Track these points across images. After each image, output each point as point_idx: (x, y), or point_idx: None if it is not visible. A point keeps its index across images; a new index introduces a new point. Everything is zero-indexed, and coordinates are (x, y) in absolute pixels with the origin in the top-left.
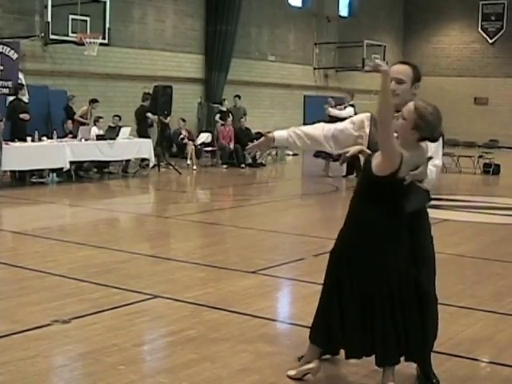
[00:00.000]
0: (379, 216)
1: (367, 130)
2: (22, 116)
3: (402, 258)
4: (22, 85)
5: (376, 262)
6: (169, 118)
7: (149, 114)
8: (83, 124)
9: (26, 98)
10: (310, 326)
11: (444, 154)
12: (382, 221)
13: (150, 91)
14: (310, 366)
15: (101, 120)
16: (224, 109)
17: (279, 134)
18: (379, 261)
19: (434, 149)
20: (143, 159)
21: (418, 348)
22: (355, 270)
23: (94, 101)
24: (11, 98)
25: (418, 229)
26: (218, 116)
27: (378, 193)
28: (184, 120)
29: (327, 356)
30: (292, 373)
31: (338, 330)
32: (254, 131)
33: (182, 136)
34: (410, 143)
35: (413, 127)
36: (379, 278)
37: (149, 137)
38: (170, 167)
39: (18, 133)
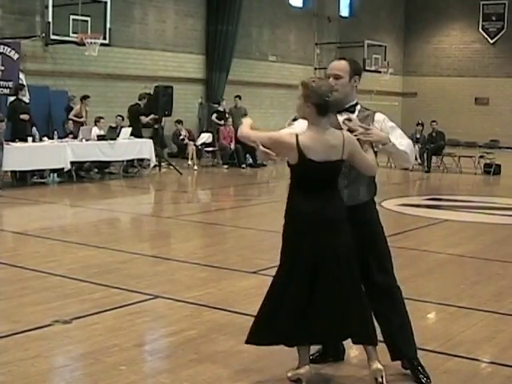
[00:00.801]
0: (299, 201)
1: None
2: (22, 117)
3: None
4: (23, 85)
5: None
6: (164, 121)
7: (142, 118)
8: (79, 123)
9: (26, 99)
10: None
11: (445, 155)
12: (302, 205)
13: (151, 91)
14: (301, 371)
15: (101, 120)
16: (221, 109)
17: None
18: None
19: (389, 130)
20: (142, 159)
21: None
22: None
23: (85, 97)
24: (12, 99)
25: (364, 220)
26: (214, 116)
27: (295, 179)
28: (181, 122)
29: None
30: (289, 374)
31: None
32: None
33: (182, 136)
34: (315, 120)
35: (305, 100)
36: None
37: (142, 136)
38: (171, 167)
39: (18, 133)
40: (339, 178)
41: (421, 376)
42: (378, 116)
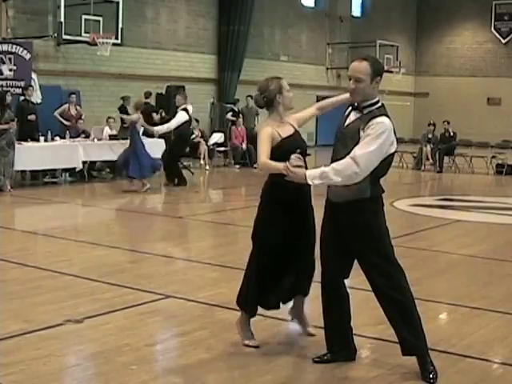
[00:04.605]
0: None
1: None
2: (29, 117)
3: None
4: (30, 85)
5: None
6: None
7: (153, 114)
8: (66, 125)
9: (34, 99)
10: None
11: (457, 155)
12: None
13: (163, 91)
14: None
15: (111, 120)
16: (236, 109)
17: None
18: None
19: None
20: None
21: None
22: None
23: (70, 94)
24: (21, 99)
25: (349, 222)
26: (229, 114)
27: None
28: (197, 120)
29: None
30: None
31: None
32: None
33: (194, 136)
34: (275, 119)
35: None
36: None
37: (153, 135)
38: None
39: (25, 134)
40: None
41: (425, 374)
42: (375, 120)
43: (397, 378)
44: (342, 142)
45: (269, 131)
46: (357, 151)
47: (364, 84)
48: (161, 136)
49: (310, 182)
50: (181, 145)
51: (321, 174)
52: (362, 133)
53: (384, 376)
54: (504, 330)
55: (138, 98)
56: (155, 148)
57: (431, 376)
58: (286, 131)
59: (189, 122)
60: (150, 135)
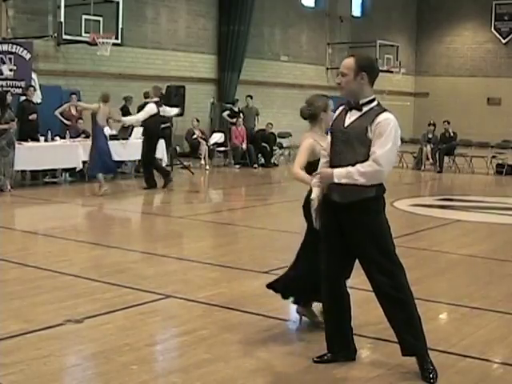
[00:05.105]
0: None
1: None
2: (30, 117)
3: None
4: (31, 85)
5: None
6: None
7: None
8: (66, 125)
9: (35, 99)
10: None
11: (457, 155)
12: None
13: (163, 91)
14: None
15: (110, 121)
16: (236, 109)
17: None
18: None
19: (375, 135)
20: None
21: None
22: None
23: (71, 94)
24: (22, 99)
25: (356, 221)
26: (225, 113)
27: None
28: (198, 120)
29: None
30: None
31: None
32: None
33: (195, 136)
34: (316, 132)
35: None
36: None
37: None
38: (180, 165)
39: (26, 134)
40: None
41: (425, 374)
42: (381, 116)
43: (397, 378)
44: (347, 143)
45: (310, 142)
46: (377, 152)
47: (347, 78)
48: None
49: (336, 181)
50: (149, 141)
51: (347, 174)
52: (369, 132)
53: (384, 376)
54: (504, 330)
55: (106, 91)
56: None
57: (431, 376)
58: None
59: (158, 116)
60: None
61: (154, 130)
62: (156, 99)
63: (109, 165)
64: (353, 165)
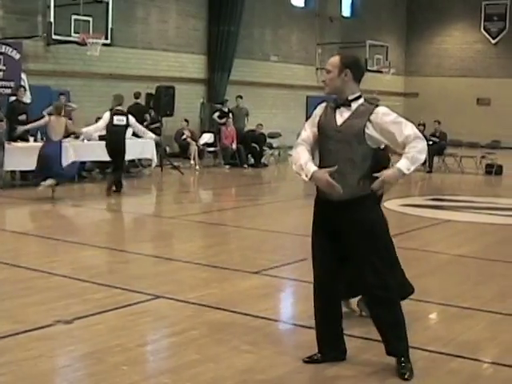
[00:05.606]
0: None
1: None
2: (20, 118)
3: None
4: (21, 85)
5: None
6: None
7: (147, 116)
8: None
9: (26, 99)
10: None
11: (447, 155)
12: None
13: (153, 91)
14: None
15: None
16: (225, 109)
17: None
18: None
19: (387, 125)
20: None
21: None
22: None
23: (60, 94)
24: (12, 99)
25: (354, 219)
26: (215, 114)
27: None
28: (187, 120)
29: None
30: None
31: None
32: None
33: (184, 136)
34: None
35: None
36: None
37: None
38: (170, 166)
39: (17, 136)
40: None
41: (403, 371)
42: (378, 110)
43: (387, 377)
44: (343, 141)
45: None
46: (408, 132)
47: (331, 75)
48: None
49: (407, 172)
50: (107, 149)
51: (411, 161)
52: (368, 129)
53: (374, 375)
54: (495, 329)
55: (59, 101)
56: (146, 148)
57: (407, 373)
58: None
59: (111, 125)
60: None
61: (109, 138)
62: (118, 108)
63: (54, 171)
64: (348, 162)
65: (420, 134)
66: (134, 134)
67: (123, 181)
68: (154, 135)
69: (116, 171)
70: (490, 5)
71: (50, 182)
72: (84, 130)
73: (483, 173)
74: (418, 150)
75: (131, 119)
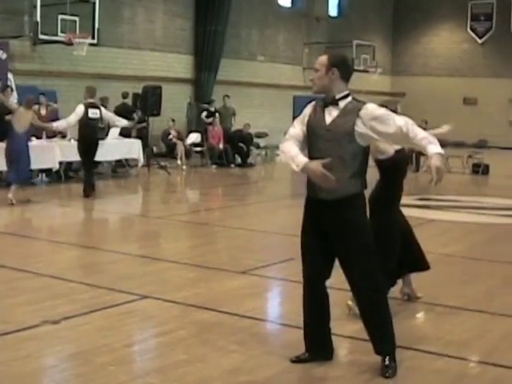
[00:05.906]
0: None
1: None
2: (7, 118)
3: None
4: (7, 86)
5: None
6: (151, 121)
7: (135, 115)
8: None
9: (12, 99)
10: None
11: None
12: None
13: (139, 91)
14: None
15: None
16: (212, 109)
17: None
18: None
19: (375, 123)
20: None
21: None
22: None
23: (39, 94)
24: None
25: (342, 218)
26: (203, 114)
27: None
28: (173, 120)
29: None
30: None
31: None
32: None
33: (171, 136)
34: None
35: None
36: None
37: (130, 136)
38: (157, 166)
39: (1, 134)
40: None
41: (385, 370)
42: (367, 106)
43: (374, 376)
44: (332, 140)
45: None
46: (400, 122)
47: (319, 74)
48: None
49: (442, 151)
50: (80, 146)
51: (433, 141)
52: (357, 124)
53: (362, 374)
54: (481, 328)
55: (31, 96)
56: (132, 147)
57: (390, 372)
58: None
59: (86, 119)
60: (128, 135)
61: (83, 133)
62: (91, 100)
63: (22, 173)
64: (337, 160)
65: (411, 120)
66: (121, 134)
67: (95, 182)
68: (127, 121)
69: (88, 173)
70: (477, 5)
71: (13, 187)
72: (55, 124)
73: (470, 172)
74: (423, 132)
75: (104, 111)
